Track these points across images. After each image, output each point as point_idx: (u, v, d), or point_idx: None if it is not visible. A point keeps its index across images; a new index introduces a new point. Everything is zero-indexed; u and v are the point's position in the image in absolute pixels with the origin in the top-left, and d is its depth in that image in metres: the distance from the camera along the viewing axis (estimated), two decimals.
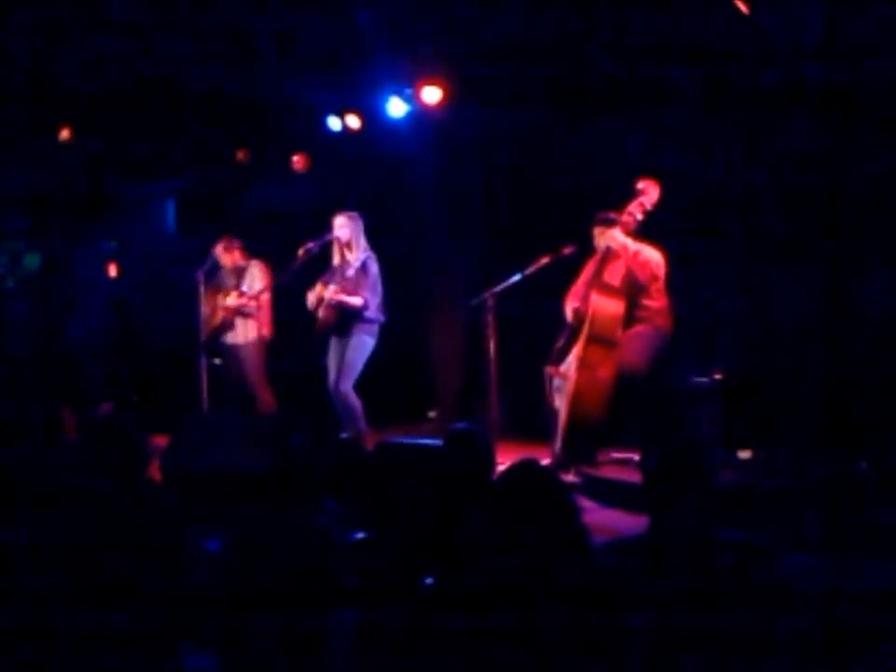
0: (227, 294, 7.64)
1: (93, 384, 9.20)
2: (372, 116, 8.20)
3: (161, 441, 5.80)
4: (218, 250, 7.70)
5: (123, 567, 2.96)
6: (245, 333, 7.60)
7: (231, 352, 7.67)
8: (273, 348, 7.76)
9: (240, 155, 9.11)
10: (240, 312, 7.57)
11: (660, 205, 6.29)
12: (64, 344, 9.64)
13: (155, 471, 4.74)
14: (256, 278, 7.59)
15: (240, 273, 7.66)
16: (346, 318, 6.86)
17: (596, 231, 6.35)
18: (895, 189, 6.13)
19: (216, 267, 7.74)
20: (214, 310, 7.69)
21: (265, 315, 7.64)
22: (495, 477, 3.50)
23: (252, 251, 7.80)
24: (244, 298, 7.52)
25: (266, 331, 7.65)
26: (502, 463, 4.21)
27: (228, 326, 7.64)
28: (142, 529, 3.17)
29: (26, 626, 2.73)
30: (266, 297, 7.60)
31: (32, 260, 9.64)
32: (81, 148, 8.87)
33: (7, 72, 7.74)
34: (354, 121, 8.34)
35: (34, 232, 9.73)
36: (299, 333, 7.63)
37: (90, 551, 3.02)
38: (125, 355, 9.75)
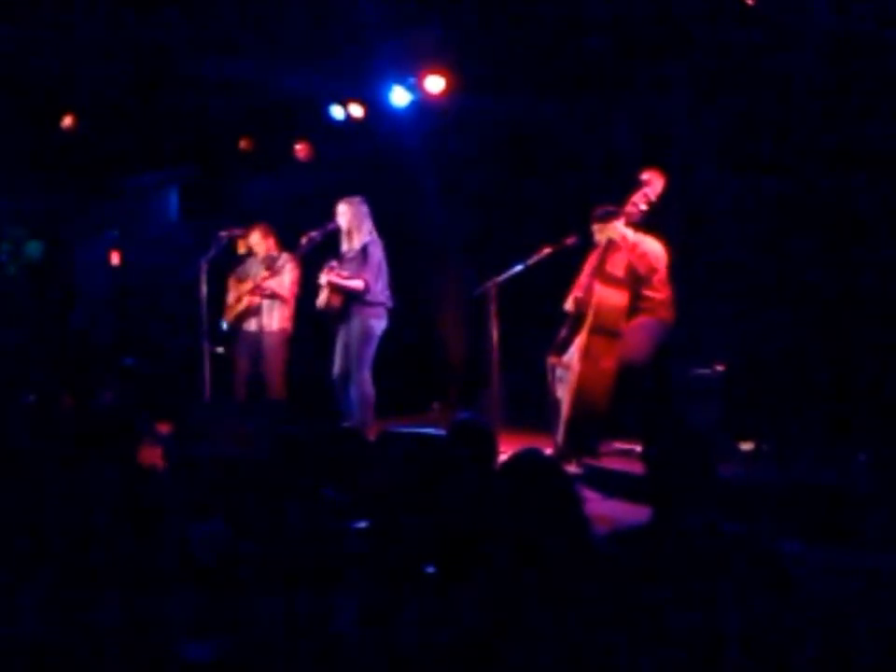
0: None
1: (95, 371, 9.22)
2: (375, 105, 8.20)
3: (163, 428, 5.81)
4: (254, 237, 7.63)
5: (125, 554, 2.96)
6: (269, 322, 7.48)
7: (251, 339, 7.55)
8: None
9: (243, 144, 9.12)
10: (270, 295, 7.45)
11: (663, 196, 6.27)
12: (66, 332, 9.66)
13: (158, 458, 4.74)
14: (287, 270, 7.48)
15: (270, 263, 7.55)
16: (350, 303, 6.86)
17: (596, 227, 6.33)
18: None
19: (224, 254, 7.68)
20: (239, 297, 7.63)
21: (290, 308, 7.54)
22: (497, 467, 3.50)
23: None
24: (272, 286, 7.43)
25: (289, 325, 7.55)
26: (505, 453, 4.20)
27: (253, 311, 7.53)
28: (144, 516, 3.17)
29: (26, 615, 2.73)
30: (294, 291, 7.53)
31: (34, 248, 9.65)
32: (84, 136, 8.87)
33: (11, 59, 7.74)
34: (357, 110, 8.35)
35: (37, 220, 9.73)
36: (301, 322, 7.64)
37: (91, 537, 3.03)
38: (127, 343, 9.77)
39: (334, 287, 6.87)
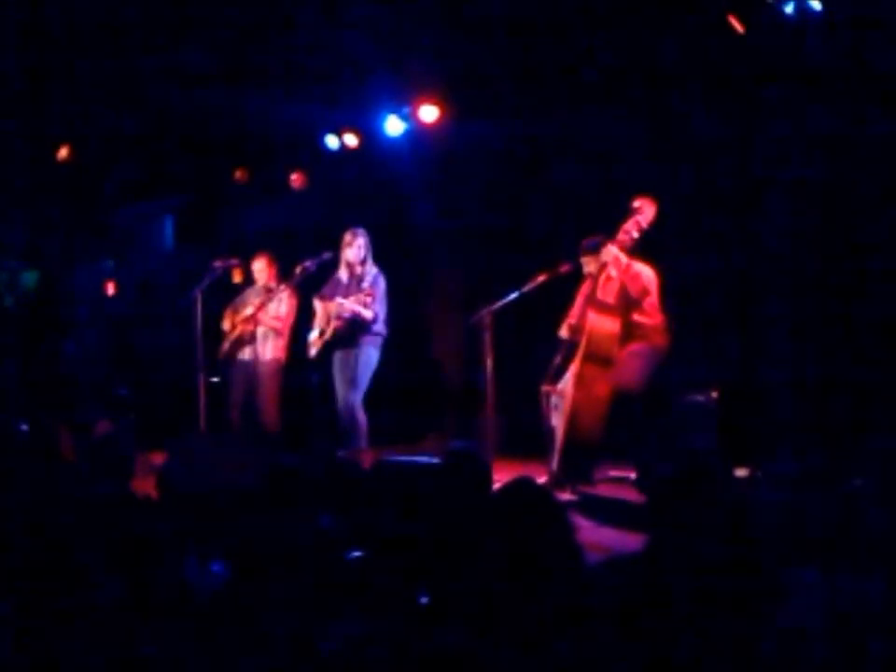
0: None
1: (91, 402, 9.20)
2: (370, 134, 8.25)
3: (158, 458, 5.80)
4: (258, 264, 7.66)
5: (120, 586, 2.95)
6: (264, 351, 7.53)
7: (246, 368, 7.57)
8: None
9: (238, 174, 9.15)
10: (263, 324, 7.50)
11: (656, 222, 6.29)
12: (62, 363, 9.65)
13: (152, 489, 4.73)
14: (283, 302, 7.52)
15: (268, 293, 7.58)
16: (355, 331, 6.90)
17: (585, 259, 6.35)
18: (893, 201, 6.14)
19: (219, 284, 7.70)
20: (233, 326, 7.65)
21: (285, 338, 7.58)
22: (491, 496, 3.50)
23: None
24: (268, 317, 7.48)
25: (283, 355, 7.58)
26: (499, 481, 4.20)
27: (247, 340, 7.56)
28: (139, 547, 3.17)
29: (23, 641, 2.73)
30: (290, 322, 7.57)
31: (30, 279, 9.66)
32: (80, 167, 8.90)
33: (6, 91, 7.78)
34: (352, 140, 8.40)
35: (32, 251, 9.75)
36: (297, 351, 7.64)
37: (86, 569, 3.02)
38: (123, 373, 9.75)
39: (342, 315, 6.89)
